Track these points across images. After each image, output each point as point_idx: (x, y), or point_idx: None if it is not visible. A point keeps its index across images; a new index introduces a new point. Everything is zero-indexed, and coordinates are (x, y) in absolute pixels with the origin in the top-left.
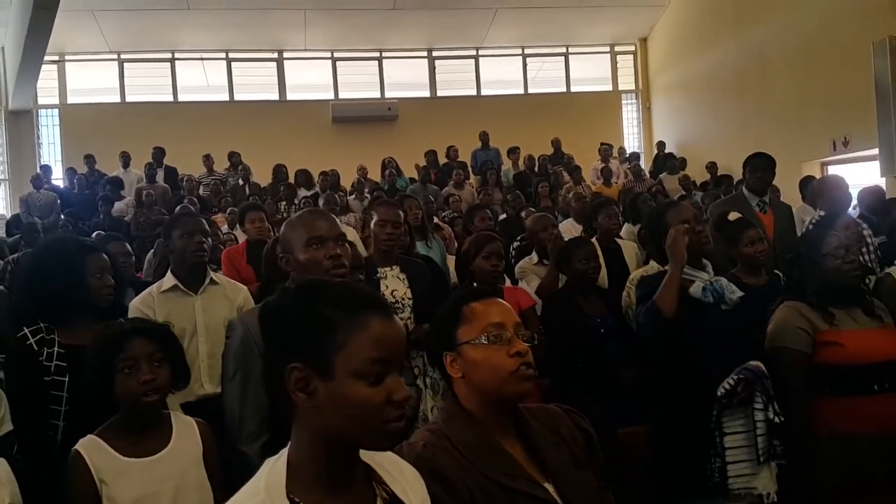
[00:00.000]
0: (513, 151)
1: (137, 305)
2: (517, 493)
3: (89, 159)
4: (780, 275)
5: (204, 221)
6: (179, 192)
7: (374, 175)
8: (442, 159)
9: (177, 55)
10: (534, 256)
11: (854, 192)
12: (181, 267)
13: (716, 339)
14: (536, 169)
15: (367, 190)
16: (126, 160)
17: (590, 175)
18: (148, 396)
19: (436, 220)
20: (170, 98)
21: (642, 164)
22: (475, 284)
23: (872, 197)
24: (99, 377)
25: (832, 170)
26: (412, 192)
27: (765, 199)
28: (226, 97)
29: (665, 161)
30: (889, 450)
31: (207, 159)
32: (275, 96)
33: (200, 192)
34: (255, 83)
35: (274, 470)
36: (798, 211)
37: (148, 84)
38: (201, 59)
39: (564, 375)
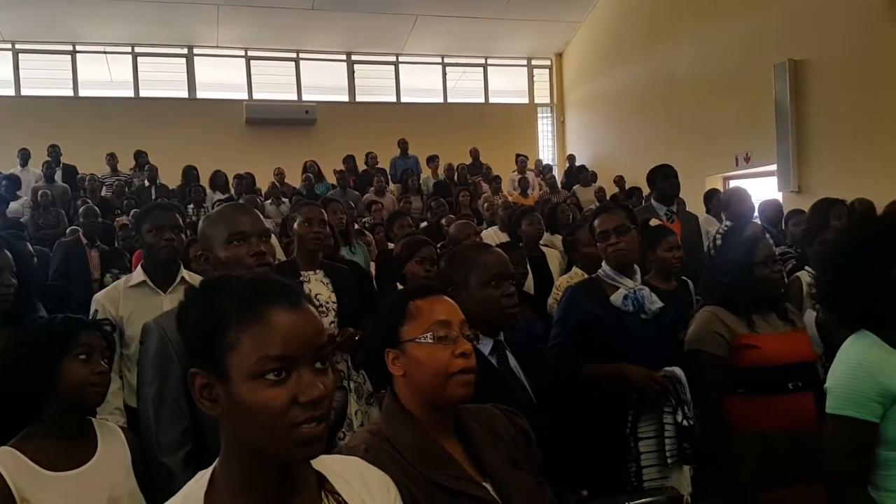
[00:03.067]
0: (432, 160)
1: (101, 299)
2: (458, 494)
3: None
4: (688, 281)
5: (177, 216)
6: (79, 193)
7: (292, 179)
8: (361, 166)
9: (78, 47)
10: None
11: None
12: (151, 263)
13: (634, 347)
14: (455, 178)
15: (284, 195)
16: (25, 157)
17: (507, 185)
18: (98, 388)
19: (357, 226)
20: (70, 92)
21: (556, 175)
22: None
23: (772, 210)
24: (35, 370)
25: (734, 184)
26: (333, 197)
27: (672, 209)
28: (131, 93)
29: (577, 174)
30: (799, 445)
31: (111, 158)
32: (184, 94)
33: (103, 192)
34: (163, 80)
35: (196, 483)
36: (703, 222)
37: (46, 77)
38: (104, 52)
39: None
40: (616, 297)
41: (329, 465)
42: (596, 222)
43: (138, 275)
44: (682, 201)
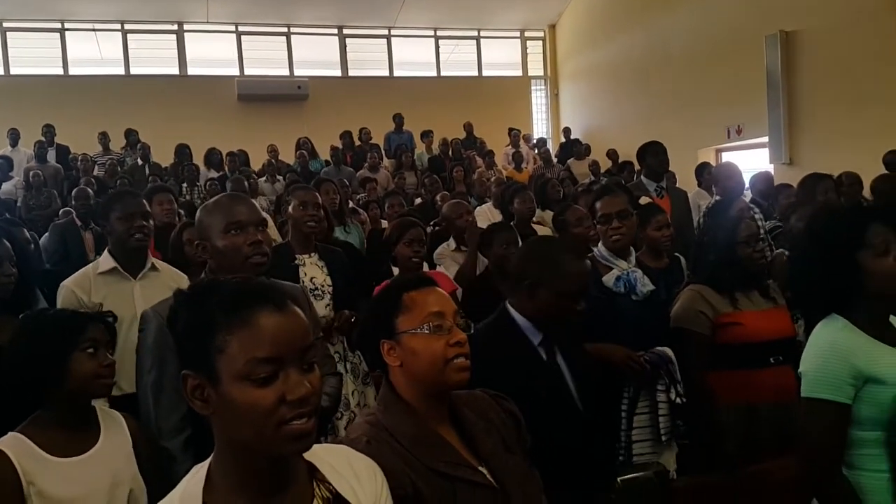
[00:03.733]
0: (426, 135)
1: (71, 286)
2: (457, 479)
3: None
4: (681, 257)
5: (145, 202)
6: (72, 173)
7: (286, 156)
8: (355, 141)
9: (67, 25)
10: (451, 243)
11: (747, 178)
12: (120, 250)
13: (626, 327)
14: (450, 153)
15: (278, 172)
16: (15, 138)
17: (501, 160)
18: (106, 380)
19: (351, 204)
20: (60, 71)
21: (550, 149)
22: (395, 270)
23: (763, 183)
24: (44, 362)
25: (726, 156)
26: (326, 175)
27: (662, 185)
28: (121, 71)
29: (571, 147)
30: (782, 417)
31: (103, 137)
32: (175, 71)
33: (95, 172)
34: (154, 56)
35: (193, 479)
36: (694, 196)
37: (36, 56)
38: (94, 29)
39: None
40: (608, 279)
41: (319, 455)
42: (598, 204)
43: (107, 261)
44: (672, 176)
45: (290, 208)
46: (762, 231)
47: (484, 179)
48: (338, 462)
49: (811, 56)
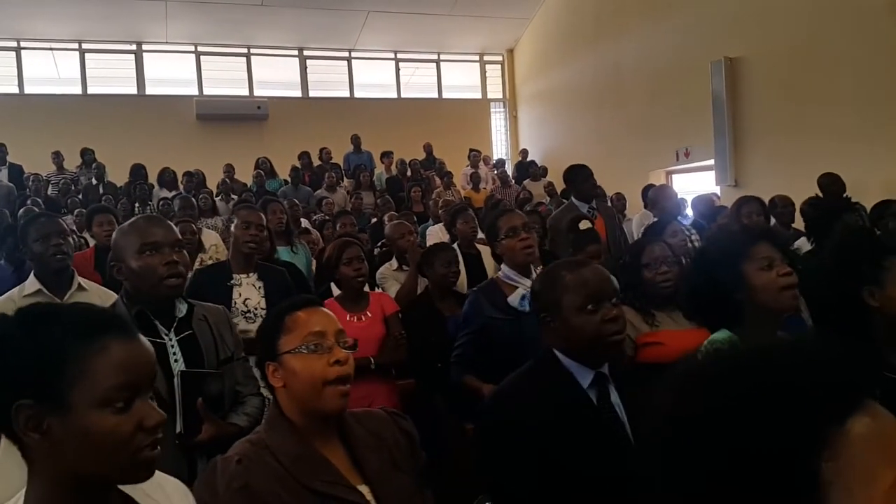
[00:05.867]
0: (386, 155)
1: None
2: (331, 498)
3: None
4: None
5: (61, 222)
6: (25, 192)
7: (245, 175)
8: (315, 161)
9: (23, 44)
10: (394, 262)
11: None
12: (44, 272)
13: (531, 348)
14: (409, 173)
15: (233, 191)
16: None
17: (460, 180)
18: None
19: (306, 223)
20: (15, 90)
21: (508, 170)
22: (340, 291)
23: (704, 205)
24: None
25: (676, 178)
26: (283, 195)
27: (593, 206)
28: (78, 90)
29: (528, 168)
30: None
31: (56, 156)
32: (133, 90)
33: (49, 191)
34: (111, 76)
35: None
36: (641, 217)
37: None
38: (51, 48)
39: (425, 376)
40: (513, 298)
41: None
42: (501, 221)
43: (32, 284)
44: (602, 194)
45: (232, 227)
46: (682, 253)
47: (441, 199)
48: (149, 487)
49: (754, 82)
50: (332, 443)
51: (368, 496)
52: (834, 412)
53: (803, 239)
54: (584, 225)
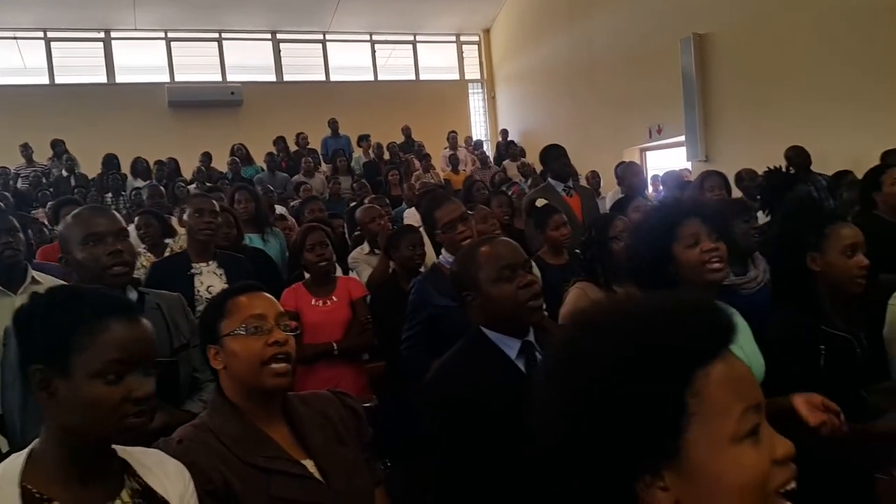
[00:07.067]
0: (363, 139)
1: None
2: (274, 472)
3: None
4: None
5: (11, 218)
6: None
7: (220, 163)
8: (292, 146)
9: None
10: (365, 246)
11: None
12: None
13: None
14: (388, 157)
15: (209, 179)
16: None
17: (440, 162)
18: None
19: (282, 210)
20: None
21: (488, 151)
22: (307, 276)
23: (673, 180)
24: None
25: (649, 155)
26: (260, 181)
27: (569, 185)
28: (46, 80)
29: (507, 148)
30: None
31: (25, 149)
32: (103, 79)
33: (19, 184)
34: (80, 65)
35: (13, 461)
36: (614, 194)
37: None
38: (15, 38)
39: (393, 359)
40: None
41: (134, 454)
42: (437, 214)
43: None
44: (575, 174)
45: (185, 216)
46: None
47: (420, 182)
48: (150, 461)
49: (723, 57)
50: (276, 422)
51: (312, 469)
52: (697, 358)
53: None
54: (540, 202)
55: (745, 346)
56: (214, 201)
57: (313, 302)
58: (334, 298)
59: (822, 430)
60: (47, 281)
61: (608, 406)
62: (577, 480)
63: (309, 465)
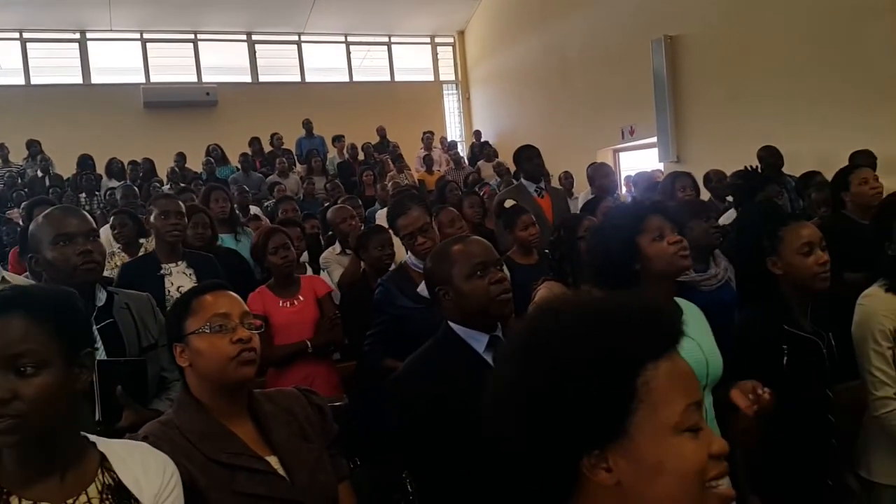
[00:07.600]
0: (337, 139)
1: None
2: (236, 468)
3: None
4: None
5: None
6: None
7: (195, 163)
8: (266, 147)
9: None
10: (337, 247)
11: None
12: None
13: None
14: (363, 157)
15: (183, 180)
16: None
17: (414, 163)
18: None
19: (256, 210)
20: None
21: (462, 152)
22: (273, 279)
23: (644, 181)
24: None
25: (622, 156)
26: (234, 181)
27: (541, 186)
28: (21, 81)
29: (482, 149)
30: None
31: (1, 149)
32: (78, 80)
33: None
34: (55, 66)
35: None
36: (585, 195)
37: None
38: None
39: (363, 357)
40: (422, 288)
41: (114, 447)
42: (399, 222)
43: None
44: (546, 175)
45: (151, 218)
46: None
47: (394, 182)
48: (129, 455)
49: (693, 59)
50: (241, 419)
51: (276, 465)
52: (648, 352)
53: (732, 210)
54: (509, 203)
55: (703, 343)
56: (180, 202)
57: (281, 304)
58: (301, 298)
59: (756, 411)
60: (17, 280)
61: (564, 384)
62: (528, 457)
63: (273, 461)
